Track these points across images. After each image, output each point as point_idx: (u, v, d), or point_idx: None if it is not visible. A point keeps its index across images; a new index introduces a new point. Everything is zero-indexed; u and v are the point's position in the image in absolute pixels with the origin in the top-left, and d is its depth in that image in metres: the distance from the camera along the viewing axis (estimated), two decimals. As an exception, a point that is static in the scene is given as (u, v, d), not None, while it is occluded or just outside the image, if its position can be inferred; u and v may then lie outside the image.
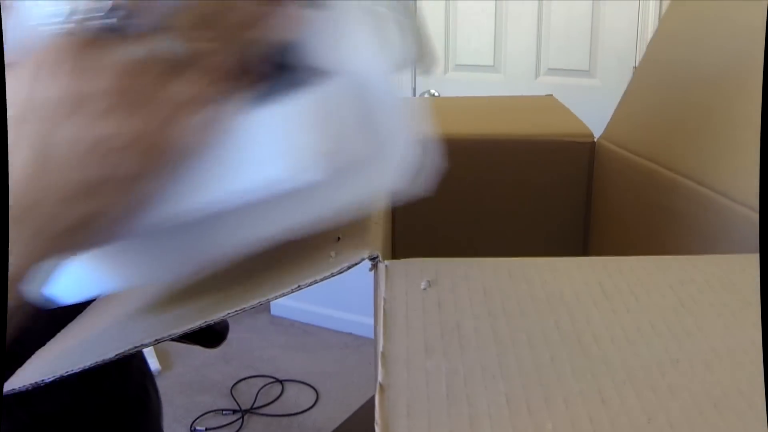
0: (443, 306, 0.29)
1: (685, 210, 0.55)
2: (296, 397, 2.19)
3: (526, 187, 0.75)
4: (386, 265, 0.32)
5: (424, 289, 0.30)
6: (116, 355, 0.35)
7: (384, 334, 0.27)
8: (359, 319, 2.50)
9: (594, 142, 0.74)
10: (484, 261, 0.33)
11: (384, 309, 0.29)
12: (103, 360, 0.35)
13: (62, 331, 0.48)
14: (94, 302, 0.54)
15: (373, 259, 0.32)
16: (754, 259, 0.34)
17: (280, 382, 2.25)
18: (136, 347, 0.35)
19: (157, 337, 0.35)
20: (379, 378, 0.25)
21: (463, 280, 0.31)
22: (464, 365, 0.26)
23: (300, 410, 2.12)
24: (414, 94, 2.30)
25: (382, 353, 0.26)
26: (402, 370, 0.25)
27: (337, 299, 2.50)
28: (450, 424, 0.23)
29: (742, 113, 0.51)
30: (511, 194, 0.76)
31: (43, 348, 0.45)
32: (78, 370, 0.36)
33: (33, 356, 0.44)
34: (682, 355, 0.27)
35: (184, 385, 2.23)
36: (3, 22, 0.31)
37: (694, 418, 0.23)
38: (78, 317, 0.51)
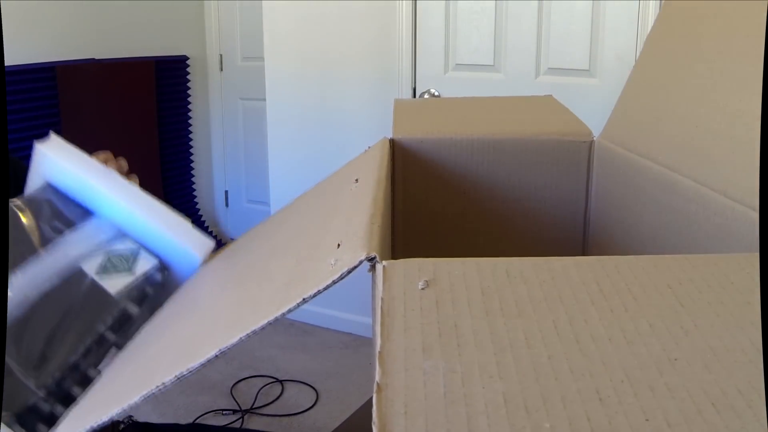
0: (441, 306, 0.29)
1: (685, 209, 0.55)
2: (296, 397, 2.19)
3: (525, 187, 0.75)
4: (384, 266, 0.32)
5: (422, 289, 0.30)
6: (141, 397, 0.36)
7: (382, 334, 0.27)
8: (359, 319, 2.49)
9: (593, 141, 0.74)
10: (481, 261, 0.33)
11: (382, 309, 0.29)
12: (129, 405, 0.36)
13: (91, 386, 0.49)
14: (121, 354, 0.55)
15: (371, 259, 0.32)
16: (752, 259, 0.34)
17: (280, 382, 2.25)
18: (158, 387, 0.35)
19: (177, 374, 0.35)
20: (377, 378, 0.25)
21: (461, 280, 0.31)
22: (462, 365, 0.26)
23: (300, 410, 2.12)
24: (414, 95, 2.30)
25: (380, 353, 0.26)
26: (400, 369, 0.25)
27: (337, 299, 2.51)
28: (447, 424, 0.23)
29: (741, 112, 0.51)
30: (511, 194, 0.76)
31: (73, 404, 0.46)
32: (108, 419, 0.37)
33: (64, 416, 0.45)
34: (681, 354, 0.27)
35: (184, 385, 2.23)
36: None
37: (692, 417, 0.23)
38: (105, 372, 0.52)
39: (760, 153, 0.30)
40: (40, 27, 2.56)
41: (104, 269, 0.57)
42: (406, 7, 2.23)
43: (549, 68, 2.10)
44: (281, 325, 2.59)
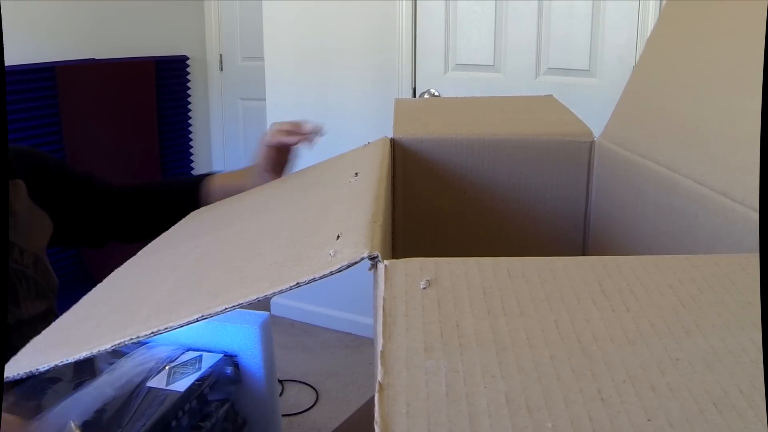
0: (443, 305, 0.29)
1: (685, 209, 0.55)
2: (296, 397, 2.19)
3: (525, 187, 0.75)
4: (386, 265, 0.32)
5: (424, 288, 0.30)
6: (112, 346, 0.35)
7: (384, 333, 0.27)
8: (359, 319, 2.49)
9: (594, 141, 0.74)
10: (483, 261, 0.33)
11: (384, 308, 0.29)
12: (98, 350, 0.36)
13: (57, 320, 0.49)
14: (89, 293, 0.54)
15: (372, 258, 0.32)
16: (753, 259, 0.34)
17: (280, 382, 2.25)
18: (131, 339, 0.35)
19: (153, 330, 0.35)
20: (379, 377, 0.25)
21: (463, 280, 0.31)
22: (464, 364, 0.26)
23: (300, 410, 2.12)
24: (414, 94, 2.30)
25: (382, 352, 0.26)
26: (402, 369, 0.25)
27: (337, 299, 2.50)
28: (449, 423, 0.23)
29: (741, 112, 0.51)
30: (511, 194, 0.76)
31: (37, 337, 0.45)
32: (73, 360, 0.37)
33: (27, 345, 0.44)
34: (682, 354, 0.27)
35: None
36: None
37: (693, 417, 0.23)
38: (73, 307, 0.51)
39: (760, 153, 0.30)
40: (40, 27, 2.56)
41: (172, 380, 0.60)
42: (406, 7, 2.23)
43: (549, 68, 2.10)
44: (281, 324, 2.59)
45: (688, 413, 0.24)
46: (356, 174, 0.55)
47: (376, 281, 0.32)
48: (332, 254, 0.33)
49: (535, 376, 0.25)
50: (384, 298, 0.29)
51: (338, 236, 0.36)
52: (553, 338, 0.27)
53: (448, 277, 0.31)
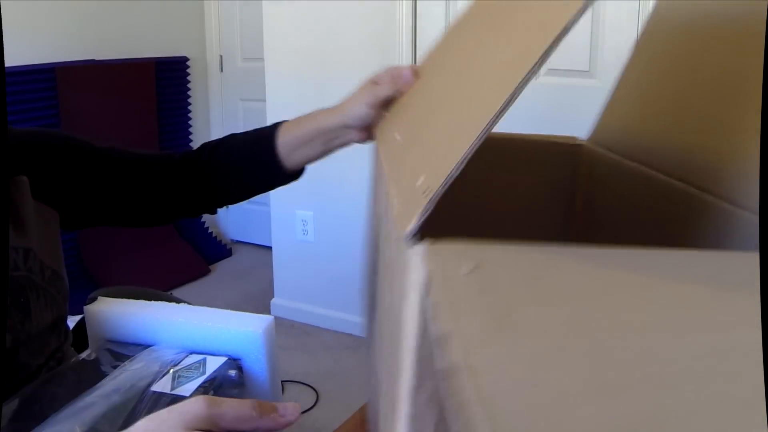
0: (488, 291, 0.28)
1: (683, 215, 0.55)
2: (296, 397, 2.19)
3: (515, 187, 0.75)
4: (426, 247, 0.31)
5: (467, 273, 0.30)
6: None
7: (435, 317, 0.26)
8: (359, 320, 2.49)
9: (579, 144, 0.74)
10: (523, 247, 0.33)
11: (430, 294, 0.28)
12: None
13: None
14: None
15: (414, 235, 0.32)
16: (755, 257, 0.34)
17: (281, 383, 2.25)
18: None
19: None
20: (445, 362, 0.24)
21: (504, 266, 0.31)
22: (522, 350, 0.25)
23: (300, 411, 2.12)
24: (414, 95, 2.30)
25: (444, 337, 0.25)
26: (466, 353, 0.25)
27: (337, 300, 2.50)
28: (524, 410, 0.22)
29: (741, 113, 0.51)
30: (500, 193, 0.76)
31: None
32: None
33: None
34: (684, 351, 0.27)
35: (184, 385, 2.23)
36: None
37: (695, 414, 0.23)
38: None
39: (760, 155, 0.30)
40: (40, 27, 2.56)
41: (176, 384, 0.60)
42: (406, 7, 2.23)
43: (549, 69, 2.10)
44: (282, 326, 2.59)
45: (690, 411, 0.24)
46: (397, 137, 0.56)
47: (406, 264, 0.31)
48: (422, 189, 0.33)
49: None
50: (427, 283, 0.29)
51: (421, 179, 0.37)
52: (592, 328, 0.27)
53: (492, 263, 0.31)
